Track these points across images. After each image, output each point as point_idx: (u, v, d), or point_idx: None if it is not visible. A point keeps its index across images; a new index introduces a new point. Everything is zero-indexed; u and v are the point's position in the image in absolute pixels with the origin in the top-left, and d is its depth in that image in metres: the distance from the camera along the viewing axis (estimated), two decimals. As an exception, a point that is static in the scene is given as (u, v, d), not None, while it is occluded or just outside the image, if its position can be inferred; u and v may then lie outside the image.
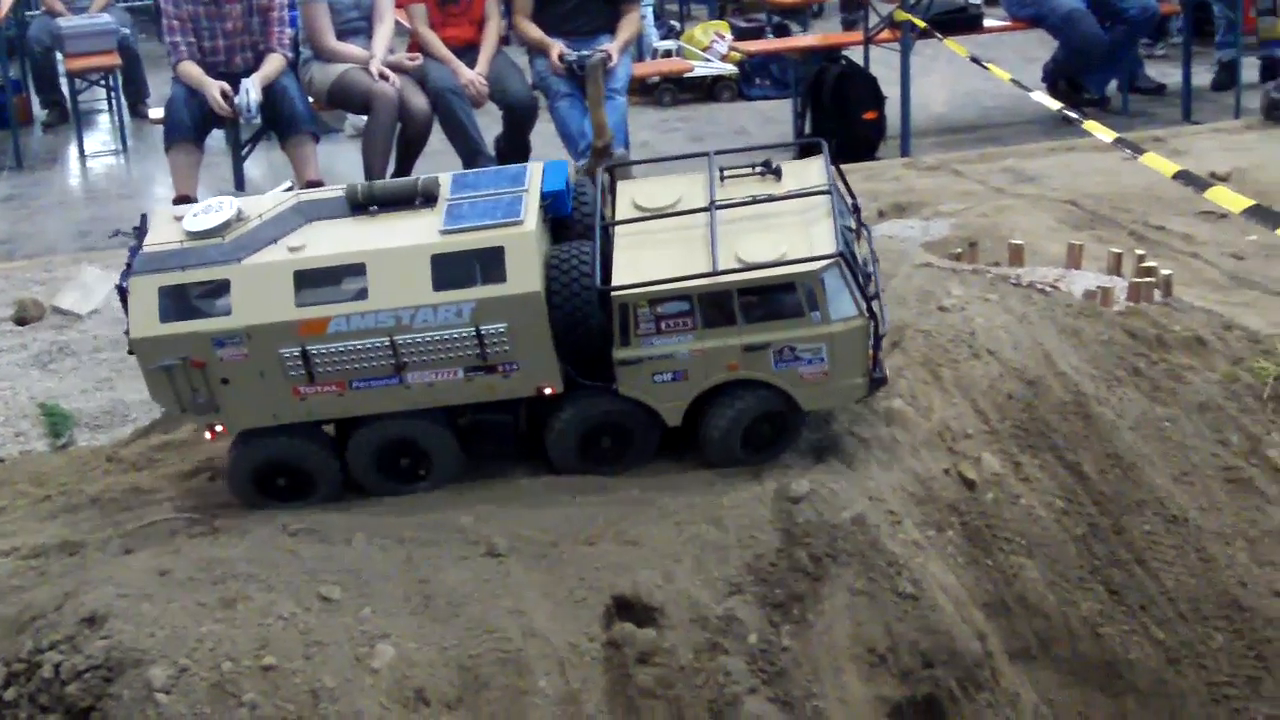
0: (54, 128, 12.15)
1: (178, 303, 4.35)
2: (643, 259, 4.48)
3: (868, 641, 4.28)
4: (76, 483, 5.07)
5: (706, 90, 12.03)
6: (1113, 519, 4.78)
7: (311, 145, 8.16)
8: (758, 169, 4.76)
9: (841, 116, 9.67)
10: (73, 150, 11.39)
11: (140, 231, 4.55)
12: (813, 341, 4.37)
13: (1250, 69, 10.63)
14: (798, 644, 4.21)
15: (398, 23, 8.56)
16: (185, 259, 4.38)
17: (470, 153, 8.24)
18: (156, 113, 8.74)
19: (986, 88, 10.97)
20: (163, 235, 4.48)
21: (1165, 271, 5.92)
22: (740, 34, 12.42)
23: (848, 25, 13.55)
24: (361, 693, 3.88)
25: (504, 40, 8.77)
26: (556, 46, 8.29)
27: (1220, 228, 7.28)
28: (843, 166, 4.86)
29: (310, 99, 8.30)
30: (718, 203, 4.57)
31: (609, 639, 4.12)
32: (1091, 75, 10.54)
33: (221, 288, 4.35)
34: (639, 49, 11.21)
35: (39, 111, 12.38)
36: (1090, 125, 8.23)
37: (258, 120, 8.32)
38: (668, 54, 11.97)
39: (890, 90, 9.76)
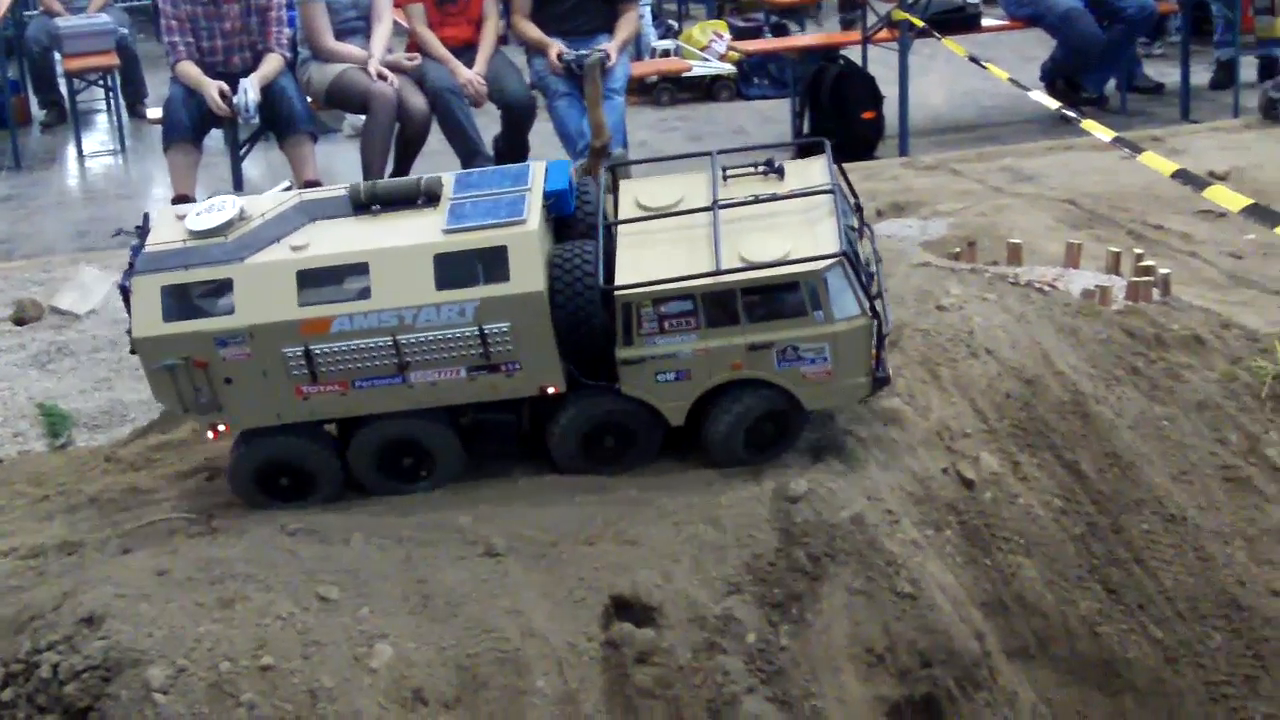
0: (52, 128, 12.15)
1: (180, 302, 4.34)
2: (646, 258, 4.48)
3: (866, 641, 4.28)
4: (75, 483, 5.06)
5: (705, 90, 12.03)
6: (1111, 518, 4.78)
7: (310, 145, 8.16)
8: (760, 168, 4.77)
9: (840, 116, 9.67)
10: (71, 150, 11.38)
11: (143, 231, 4.55)
12: (816, 341, 4.37)
13: (1248, 68, 10.64)
14: (796, 643, 4.21)
15: (396, 22, 8.56)
16: (188, 258, 4.37)
17: (468, 153, 8.24)
18: (155, 113, 8.74)
19: (985, 87, 10.97)
20: (165, 234, 4.47)
21: (1163, 270, 5.92)
22: (738, 33, 12.42)
23: (846, 25, 13.56)
24: (360, 692, 3.87)
25: (502, 40, 8.77)
26: (555, 46, 8.29)
27: (1218, 227, 7.28)
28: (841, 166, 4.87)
29: (308, 99, 8.30)
30: (721, 202, 4.57)
31: (607, 639, 4.12)
32: (1090, 74, 10.55)
33: (224, 287, 4.35)
34: (637, 48, 11.21)
35: (37, 111, 12.38)
36: (1088, 124, 8.24)
37: (256, 120, 8.32)
38: (666, 53, 11.97)
39: (888, 90, 9.77)
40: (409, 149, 8.26)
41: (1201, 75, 10.89)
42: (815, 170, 4.76)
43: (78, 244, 8.83)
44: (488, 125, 8.60)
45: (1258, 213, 6.55)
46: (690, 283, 4.34)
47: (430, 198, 4.49)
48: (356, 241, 4.39)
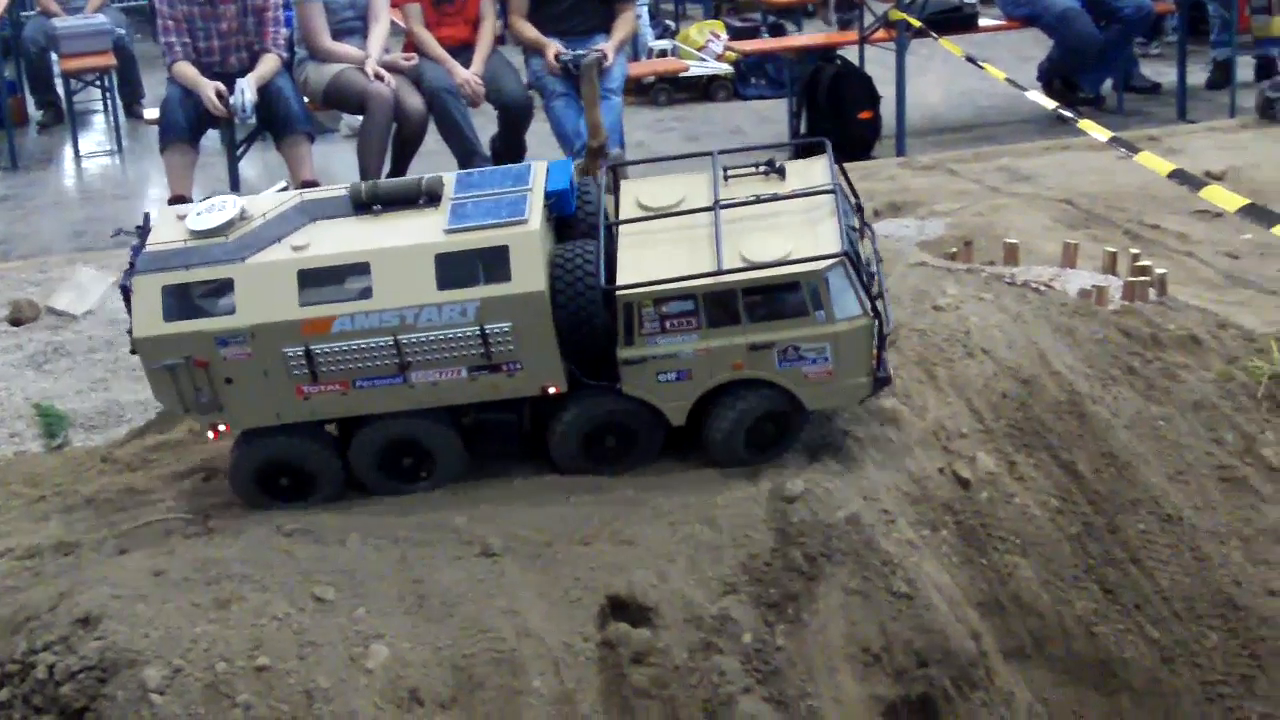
0: (49, 128, 12.14)
1: (181, 302, 4.34)
2: (647, 258, 4.48)
3: (862, 641, 4.28)
4: (71, 483, 5.06)
5: (702, 90, 12.03)
6: (1107, 518, 4.79)
7: (306, 145, 8.17)
8: (761, 168, 4.77)
9: (837, 116, 9.67)
10: (68, 151, 11.37)
11: (143, 231, 4.55)
12: (817, 341, 4.37)
13: (1245, 68, 10.65)
14: (792, 643, 4.21)
15: (393, 22, 8.56)
16: (189, 258, 4.37)
17: (465, 153, 8.24)
18: (151, 113, 8.75)
19: (982, 87, 10.97)
20: (166, 234, 4.47)
21: (1160, 270, 5.92)
22: (735, 33, 12.41)
23: (843, 24, 13.56)
24: (356, 693, 3.87)
25: (499, 40, 8.77)
26: (552, 46, 8.30)
27: (1215, 226, 7.29)
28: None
29: (305, 99, 8.31)
30: (722, 202, 4.57)
31: (603, 639, 4.12)
32: (1086, 74, 10.56)
33: (225, 287, 4.34)
34: (634, 48, 11.22)
35: (34, 112, 12.36)
36: (1085, 124, 8.25)
37: (253, 120, 8.33)
38: (663, 53, 11.98)
39: (885, 89, 9.77)
40: (406, 149, 8.26)
41: (1198, 75, 10.89)
42: (816, 170, 4.76)
43: (74, 244, 8.82)
44: (485, 125, 8.60)
45: (1254, 213, 6.56)
46: (691, 282, 4.34)
47: (431, 197, 4.49)
48: (357, 241, 4.39)
